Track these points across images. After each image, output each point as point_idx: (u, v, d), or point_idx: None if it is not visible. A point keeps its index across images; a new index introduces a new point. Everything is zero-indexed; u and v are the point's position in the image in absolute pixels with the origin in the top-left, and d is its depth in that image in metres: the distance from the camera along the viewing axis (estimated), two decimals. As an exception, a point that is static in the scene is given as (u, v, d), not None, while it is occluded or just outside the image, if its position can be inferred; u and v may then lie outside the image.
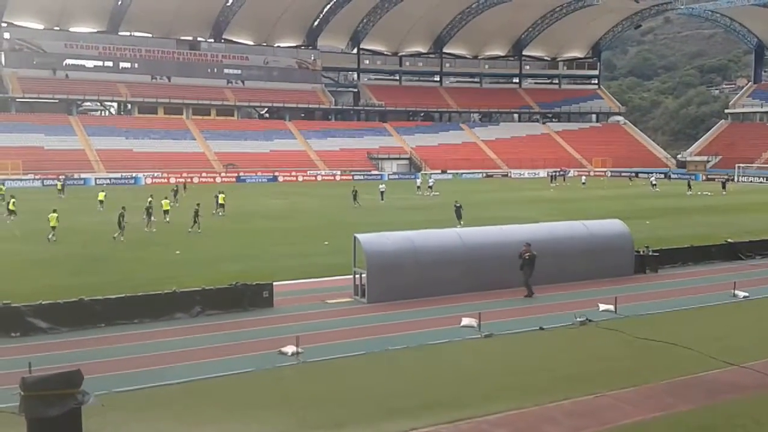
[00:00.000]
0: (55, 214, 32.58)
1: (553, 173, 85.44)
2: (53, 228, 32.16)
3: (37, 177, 72.39)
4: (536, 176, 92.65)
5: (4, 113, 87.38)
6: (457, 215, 37.92)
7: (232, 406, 12.45)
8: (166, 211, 39.45)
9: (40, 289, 20.44)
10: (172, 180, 75.39)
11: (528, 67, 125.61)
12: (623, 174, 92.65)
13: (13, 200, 40.13)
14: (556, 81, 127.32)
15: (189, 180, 69.95)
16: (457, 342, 16.38)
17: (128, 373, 14.08)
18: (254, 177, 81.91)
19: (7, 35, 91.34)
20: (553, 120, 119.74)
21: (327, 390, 13.29)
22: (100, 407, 11.23)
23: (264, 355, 15.18)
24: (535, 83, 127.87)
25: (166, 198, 41.63)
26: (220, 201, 43.80)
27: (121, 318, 17.67)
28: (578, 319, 18.03)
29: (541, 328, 17.46)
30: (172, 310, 18.27)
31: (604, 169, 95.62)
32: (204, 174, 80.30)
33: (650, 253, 25.16)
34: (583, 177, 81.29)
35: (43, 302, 17.37)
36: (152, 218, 36.64)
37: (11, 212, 39.22)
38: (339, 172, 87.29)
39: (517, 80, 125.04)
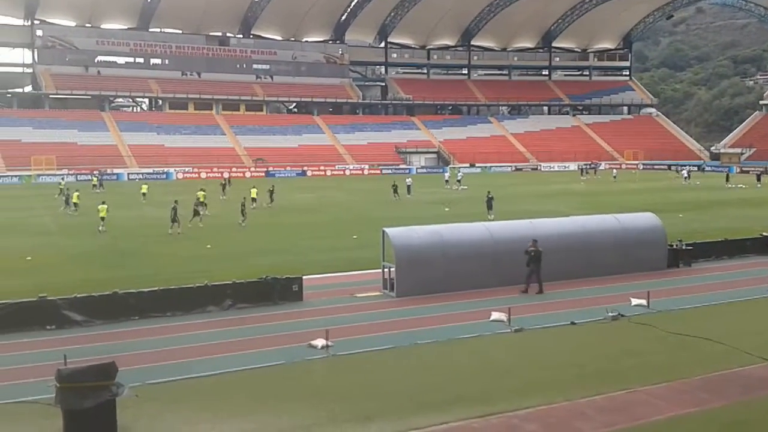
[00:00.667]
0: (105, 206, 34.31)
1: (584, 166, 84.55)
2: (103, 219, 33.66)
3: (71, 172, 73.54)
4: (566, 169, 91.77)
5: (37, 109, 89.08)
6: (488, 206, 37.94)
7: (263, 399, 12.56)
8: (202, 204, 39.66)
9: (75, 283, 20.80)
10: (203, 175, 76.35)
11: (558, 58, 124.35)
12: (656, 167, 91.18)
13: (77, 193, 42.31)
14: (587, 73, 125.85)
15: (221, 174, 70.29)
16: (486, 336, 16.31)
17: (161, 365, 14.28)
18: (283, 172, 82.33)
19: (39, 32, 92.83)
20: (584, 112, 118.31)
21: (357, 383, 13.33)
22: (134, 399, 11.43)
23: (294, 349, 15.27)
24: (565, 75, 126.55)
25: (202, 190, 41.90)
26: (252, 195, 44.02)
27: (154, 311, 17.94)
28: (610, 314, 17.84)
29: (573, 323, 17.32)
30: (204, 304, 18.50)
31: (636, 162, 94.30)
32: (234, 169, 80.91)
33: (684, 247, 24.79)
34: (614, 170, 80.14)
35: (78, 295, 17.66)
36: (203, 212, 37.28)
37: (75, 205, 41.20)
38: (367, 167, 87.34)
39: (547, 72, 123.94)
